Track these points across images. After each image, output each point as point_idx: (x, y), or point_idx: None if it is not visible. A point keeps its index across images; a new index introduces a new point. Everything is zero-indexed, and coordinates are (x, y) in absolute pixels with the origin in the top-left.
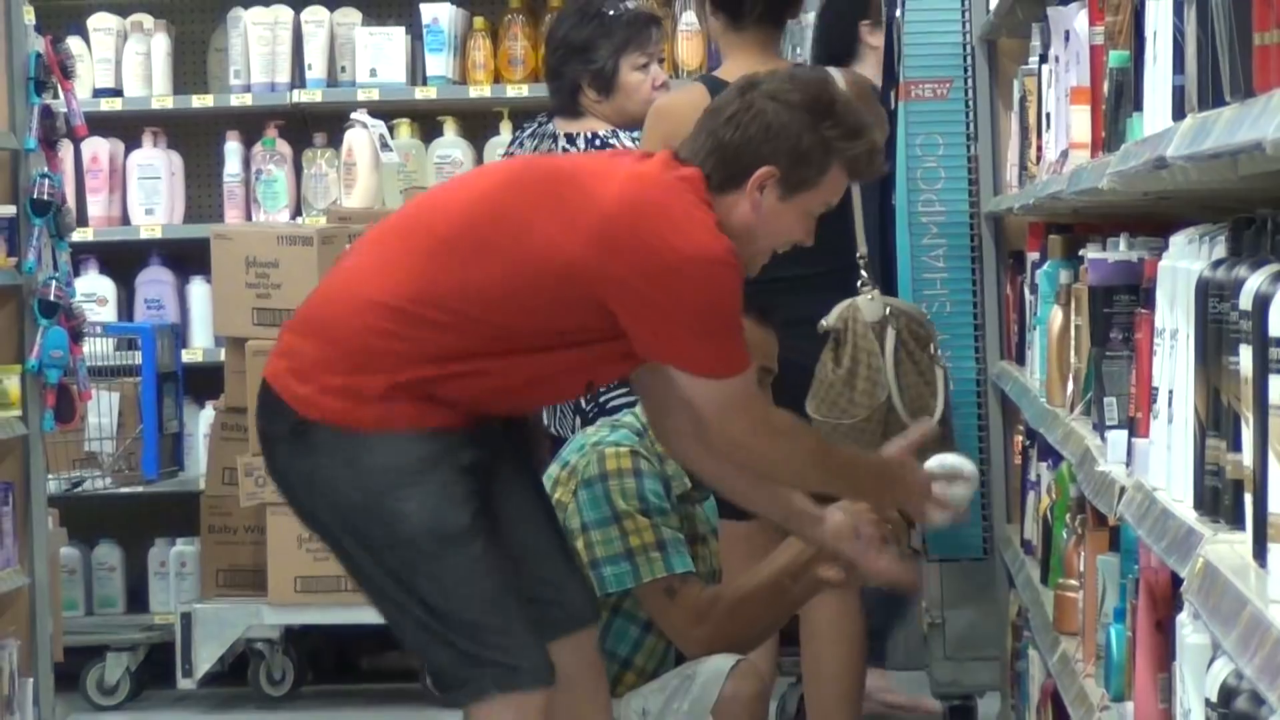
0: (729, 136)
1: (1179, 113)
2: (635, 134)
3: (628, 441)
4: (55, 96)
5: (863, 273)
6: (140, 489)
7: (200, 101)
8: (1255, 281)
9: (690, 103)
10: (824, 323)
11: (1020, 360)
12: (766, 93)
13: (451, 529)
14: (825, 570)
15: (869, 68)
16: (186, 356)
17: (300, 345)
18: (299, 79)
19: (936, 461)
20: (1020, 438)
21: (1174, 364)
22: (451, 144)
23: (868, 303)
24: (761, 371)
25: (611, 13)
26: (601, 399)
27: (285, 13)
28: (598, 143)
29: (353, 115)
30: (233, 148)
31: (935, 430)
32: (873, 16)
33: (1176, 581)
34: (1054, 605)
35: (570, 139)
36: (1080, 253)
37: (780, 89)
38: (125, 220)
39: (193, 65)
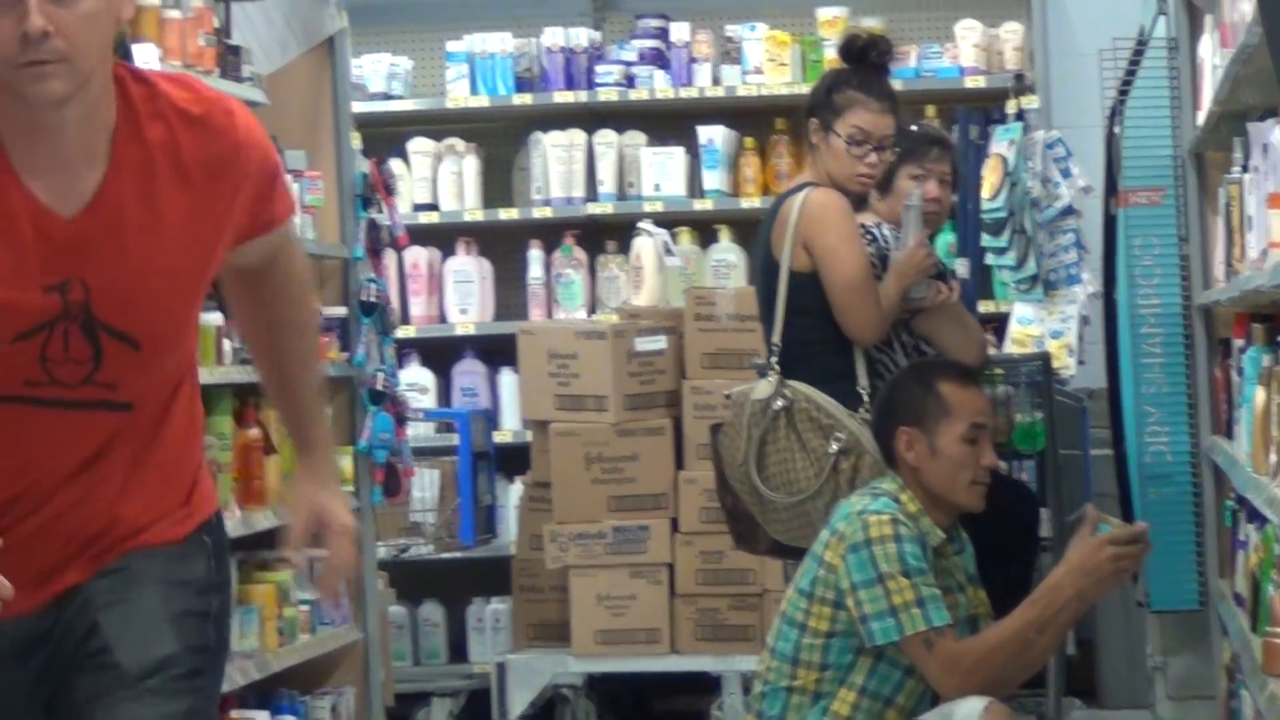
0: None
1: None
2: (898, 232)
3: (888, 510)
4: (380, 211)
5: (773, 358)
6: (459, 554)
7: (506, 214)
8: None
9: None
10: (728, 393)
11: (1229, 435)
12: None
13: None
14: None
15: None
16: (497, 437)
17: None
18: (592, 193)
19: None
20: (1230, 502)
21: None
22: (726, 249)
23: (765, 384)
24: (972, 428)
25: (905, 127)
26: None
27: (579, 136)
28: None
29: (639, 224)
30: (535, 254)
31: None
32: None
33: None
34: (1262, 650)
35: None
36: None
37: None
38: (443, 319)
39: (499, 182)
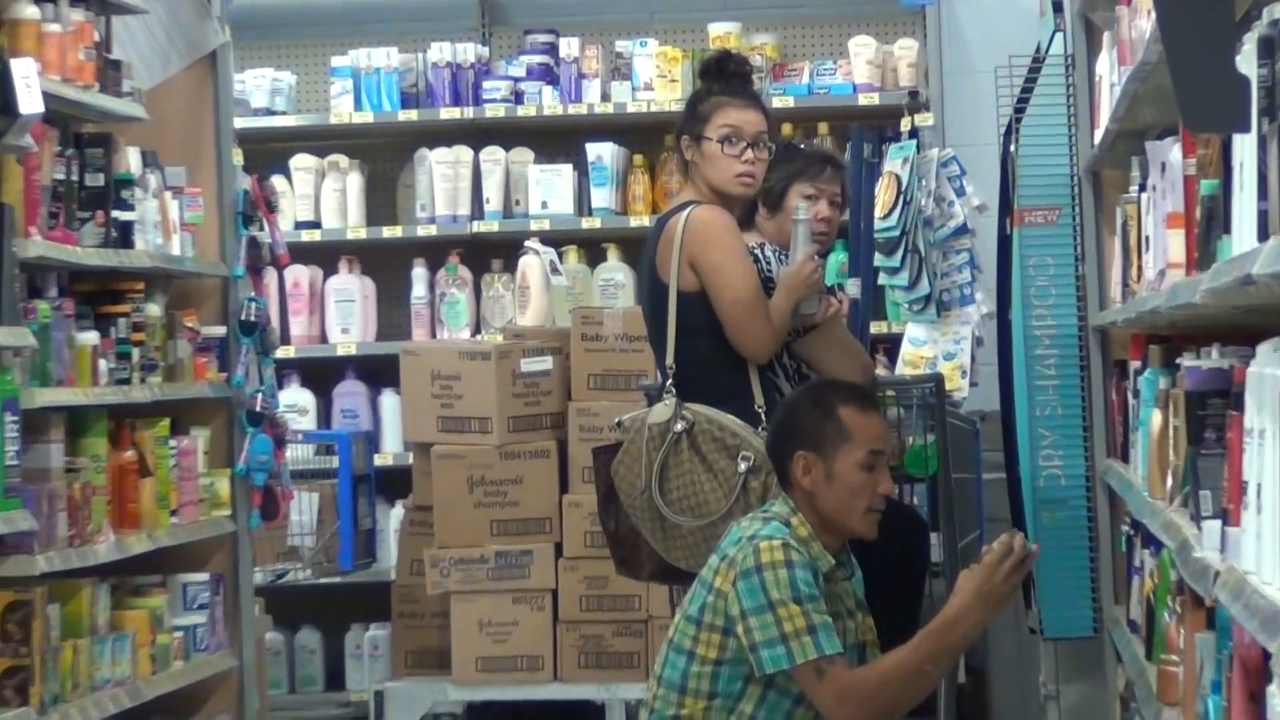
0: None
1: (1263, 234)
2: (784, 254)
3: (779, 535)
4: (261, 229)
5: (668, 381)
6: (338, 579)
7: (390, 232)
8: None
9: None
10: (619, 420)
11: (1125, 458)
12: None
13: None
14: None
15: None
16: (378, 460)
17: None
18: (478, 211)
19: None
20: (1125, 527)
21: (1262, 460)
22: (614, 268)
23: (662, 407)
24: (871, 455)
25: (796, 145)
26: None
27: (466, 152)
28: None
29: (526, 243)
30: (419, 273)
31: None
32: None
33: (1267, 656)
34: (1157, 678)
35: None
36: (1177, 361)
37: None
38: (324, 339)
39: (383, 200)
